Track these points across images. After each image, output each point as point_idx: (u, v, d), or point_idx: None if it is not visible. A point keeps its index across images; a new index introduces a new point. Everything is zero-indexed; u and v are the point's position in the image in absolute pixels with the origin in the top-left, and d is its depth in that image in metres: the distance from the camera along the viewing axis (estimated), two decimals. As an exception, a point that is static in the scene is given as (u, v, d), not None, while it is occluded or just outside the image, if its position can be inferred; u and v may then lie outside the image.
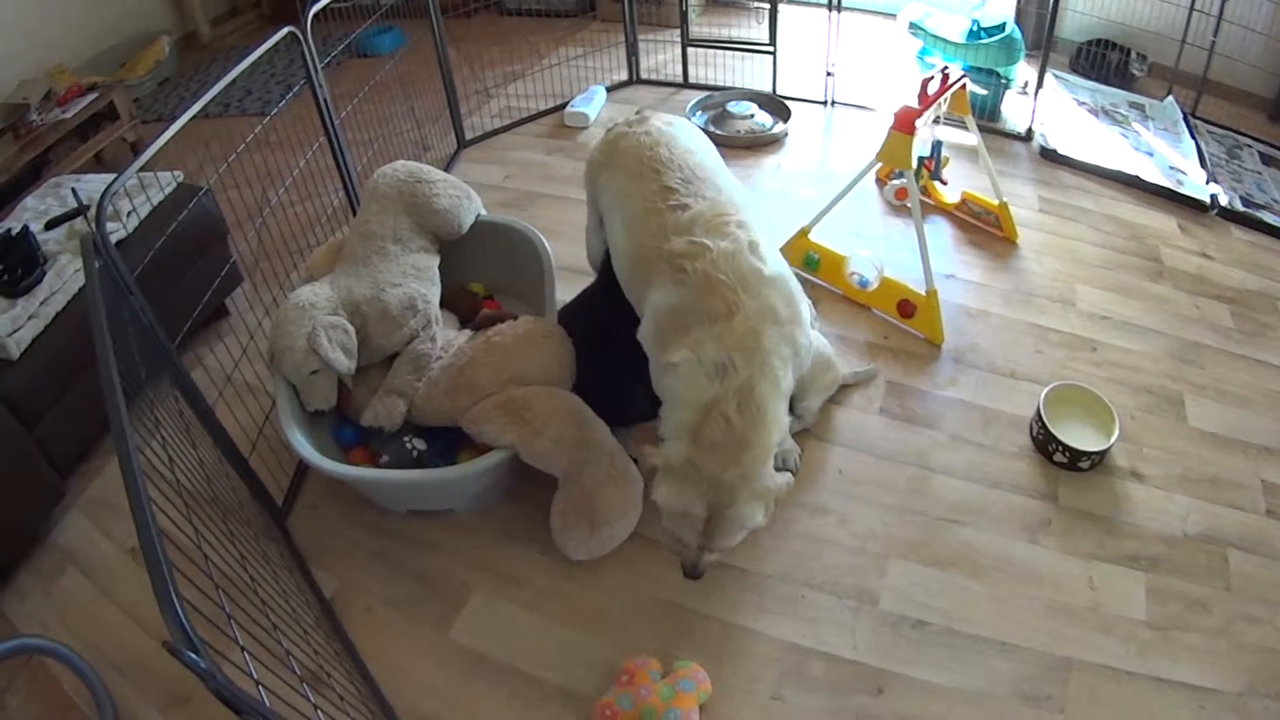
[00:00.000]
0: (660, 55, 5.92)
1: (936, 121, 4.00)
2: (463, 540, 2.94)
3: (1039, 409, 3.34)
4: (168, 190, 3.52)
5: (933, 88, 3.74)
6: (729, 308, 2.38)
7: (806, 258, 3.95)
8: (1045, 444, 3.31)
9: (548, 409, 2.75)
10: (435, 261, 3.29)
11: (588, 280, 3.61)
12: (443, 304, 3.28)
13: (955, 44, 5.22)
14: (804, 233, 3.96)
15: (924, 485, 3.16)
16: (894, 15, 5.82)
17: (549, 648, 2.66)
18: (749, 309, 2.39)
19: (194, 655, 1.35)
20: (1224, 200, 4.99)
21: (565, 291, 3.44)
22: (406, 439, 2.94)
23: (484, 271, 3.67)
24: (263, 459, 3.02)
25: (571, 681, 2.57)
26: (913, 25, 5.41)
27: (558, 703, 2.53)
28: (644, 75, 5.68)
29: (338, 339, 2.87)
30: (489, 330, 2.98)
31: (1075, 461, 3.27)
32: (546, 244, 3.50)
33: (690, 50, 5.55)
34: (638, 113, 3.10)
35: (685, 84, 5.60)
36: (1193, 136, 5.50)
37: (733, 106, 5.16)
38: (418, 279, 3.14)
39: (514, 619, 2.74)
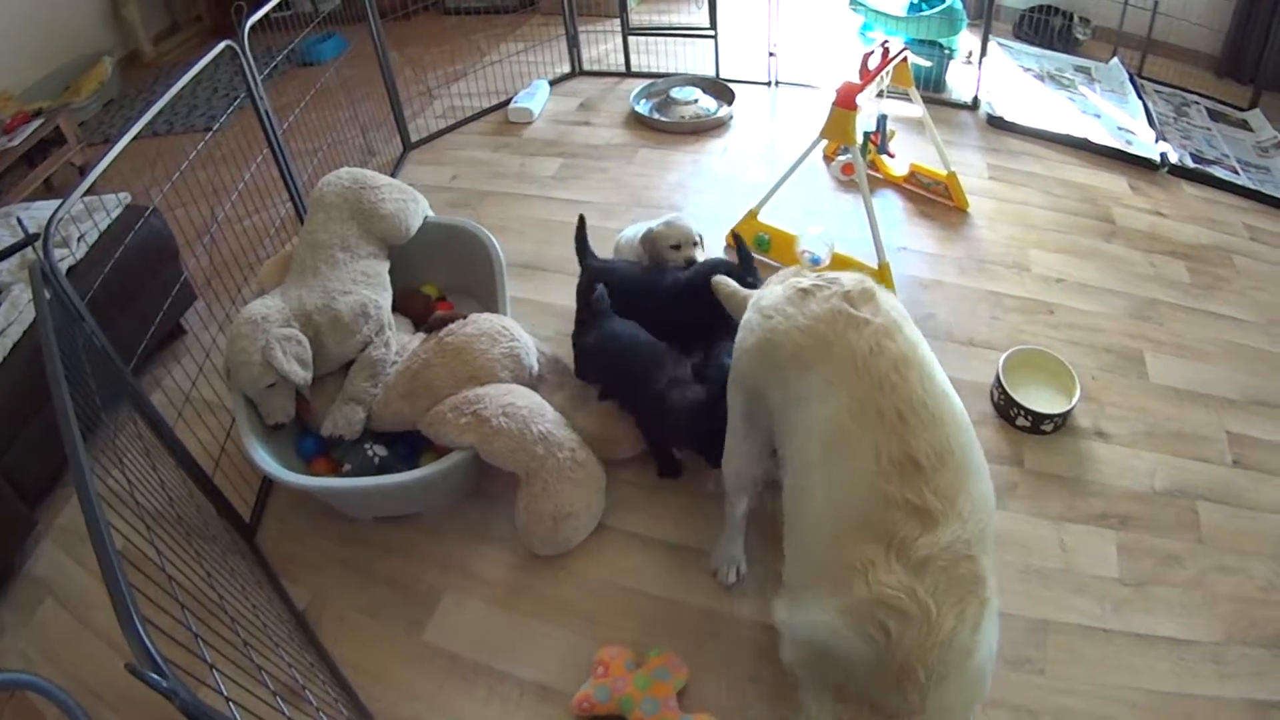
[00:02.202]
0: (602, 45, 5.91)
1: (880, 95, 3.98)
2: (430, 543, 2.93)
3: (998, 375, 3.35)
4: (115, 213, 3.48)
5: (873, 62, 3.73)
6: (905, 704, 1.68)
7: (757, 238, 3.94)
8: (1007, 409, 3.32)
9: (504, 407, 2.75)
10: (385, 266, 3.27)
11: (539, 277, 3.63)
12: (395, 308, 3.26)
13: (897, 18, 5.24)
14: (753, 214, 3.96)
15: None
16: None
17: (523, 644, 2.65)
18: (927, 709, 1.68)
19: (156, 675, 1.34)
20: (1174, 158, 5.02)
21: (516, 289, 3.47)
22: (367, 446, 2.92)
23: (435, 273, 3.66)
24: (227, 476, 3.00)
25: (548, 677, 2.56)
26: (854, 1, 5.42)
27: (535, 698, 2.52)
28: (586, 67, 5.68)
29: (292, 350, 2.86)
30: (441, 332, 2.97)
31: (1038, 425, 3.27)
32: (496, 242, 3.47)
33: (631, 39, 5.54)
34: (859, 285, 2.18)
35: (628, 73, 5.59)
36: (1140, 96, 5.53)
37: (676, 92, 5.15)
38: (368, 285, 3.12)
39: (486, 618, 2.73)
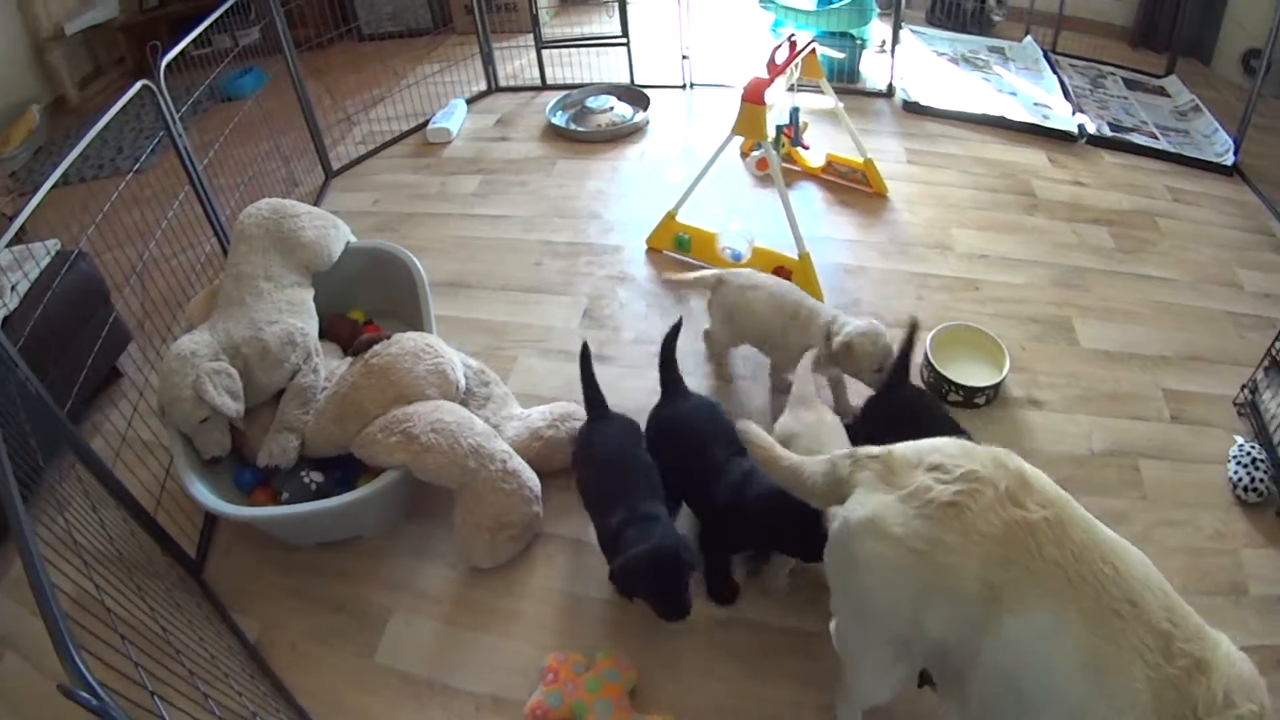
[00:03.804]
0: (517, 61, 5.92)
1: (792, 89, 3.99)
2: (374, 564, 2.92)
3: (927, 353, 3.39)
4: (45, 261, 3.44)
5: (780, 56, 3.76)
6: None
7: (676, 239, 3.97)
8: (938, 386, 3.34)
9: (432, 424, 2.76)
10: (309, 294, 3.27)
11: (465, 294, 3.74)
12: (323, 335, 3.26)
13: (807, 12, 5.29)
14: (671, 215, 3.98)
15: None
16: None
17: (473, 658, 2.64)
18: None
19: (85, 695, 1.39)
20: (1092, 128, 5.10)
21: (443, 307, 3.52)
22: (304, 473, 2.91)
23: (361, 298, 3.65)
24: (170, 514, 2.97)
25: (500, 688, 2.55)
26: (763, 1, 5.39)
27: (490, 711, 2.51)
28: (502, 83, 5.68)
29: (223, 384, 2.84)
30: (366, 354, 2.96)
31: (970, 399, 3.31)
32: (417, 262, 3.47)
33: (546, 52, 5.56)
34: (1004, 474, 1.84)
35: (544, 86, 5.60)
36: (1055, 71, 5.62)
37: (591, 102, 5.16)
38: (293, 313, 3.12)
39: (434, 635, 2.72)
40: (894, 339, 3.39)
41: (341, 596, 2.84)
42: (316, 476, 2.91)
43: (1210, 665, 1.66)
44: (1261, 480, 3.14)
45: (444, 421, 2.76)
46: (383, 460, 2.75)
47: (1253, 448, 3.23)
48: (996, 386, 3.33)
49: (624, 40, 5.37)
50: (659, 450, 2.76)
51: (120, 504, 2.68)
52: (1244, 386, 3.52)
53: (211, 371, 2.83)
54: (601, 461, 2.71)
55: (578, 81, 5.52)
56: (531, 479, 2.84)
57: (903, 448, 1.96)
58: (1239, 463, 3.20)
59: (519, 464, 2.83)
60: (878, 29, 5.69)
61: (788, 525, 2.35)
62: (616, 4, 5.36)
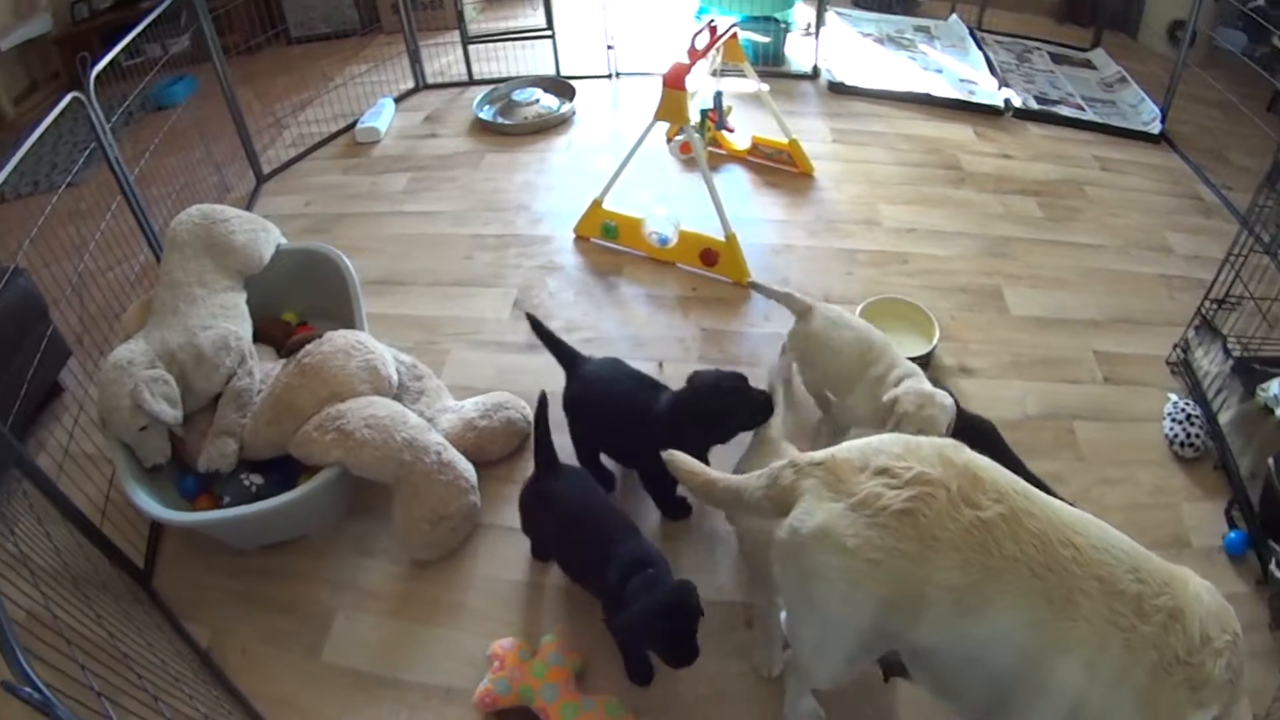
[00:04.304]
0: (444, 58, 5.89)
1: (715, 74, 3.99)
2: (318, 564, 2.91)
3: None
4: (-19, 283, 3.38)
5: (701, 42, 3.77)
6: None
7: (604, 227, 3.99)
8: None
9: (365, 419, 2.76)
10: (242, 298, 3.27)
11: (398, 291, 3.78)
12: (257, 338, 3.26)
13: None
14: (597, 203, 3.99)
15: None
16: None
17: (421, 651, 2.64)
18: None
19: (29, 690, 1.40)
20: (1018, 102, 5.19)
21: (375, 305, 3.52)
22: (244, 476, 2.91)
23: (294, 300, 3.63)
24: (116, 525, 2.94)
25: (449, 679, 2.56)
26: (688, -13, 5.41)
27: (441, 701, 2.52)
28: (430, 80, 5.65)
29: (160, 391, 2.84)
30: (299, 354, 2.95)
31: None
32: (348, 261, 3.46)
33: (472, 47, 5.54)
34: (952, 471, 1.83)
35: (471, 81, 5.58)
36: (980, 48, 5.70)
37: (517, 95, 5.16)
38: (227, 318, 3.12)
39: (381, 630, 2.71)
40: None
41: (288, 598, 2.83)
42: (256, 479, 2.91)
43: (1183, 610, 1.71)
44: (1197, 435, 3.22)
45: (377, 417, 2.77)
46: (319, 458, 2.75)
47: (1187, 404, 3.31)
48: (927, 356, 3.38)
49: (549, 33, 5.37)
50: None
51: (67, 518, 2.66)
52: (1176, 345, 3.59)
53: (149, 379, 2.82)
54: (570, 517, 2.57)
55: (504, 75, 5.52)
56: (467, 469, 2.85)
57: (845, 451, 1.94)
58: (1174, 419, 3.28)
59: (454, 455, 2.83)
60: (802, 12, 5.73)
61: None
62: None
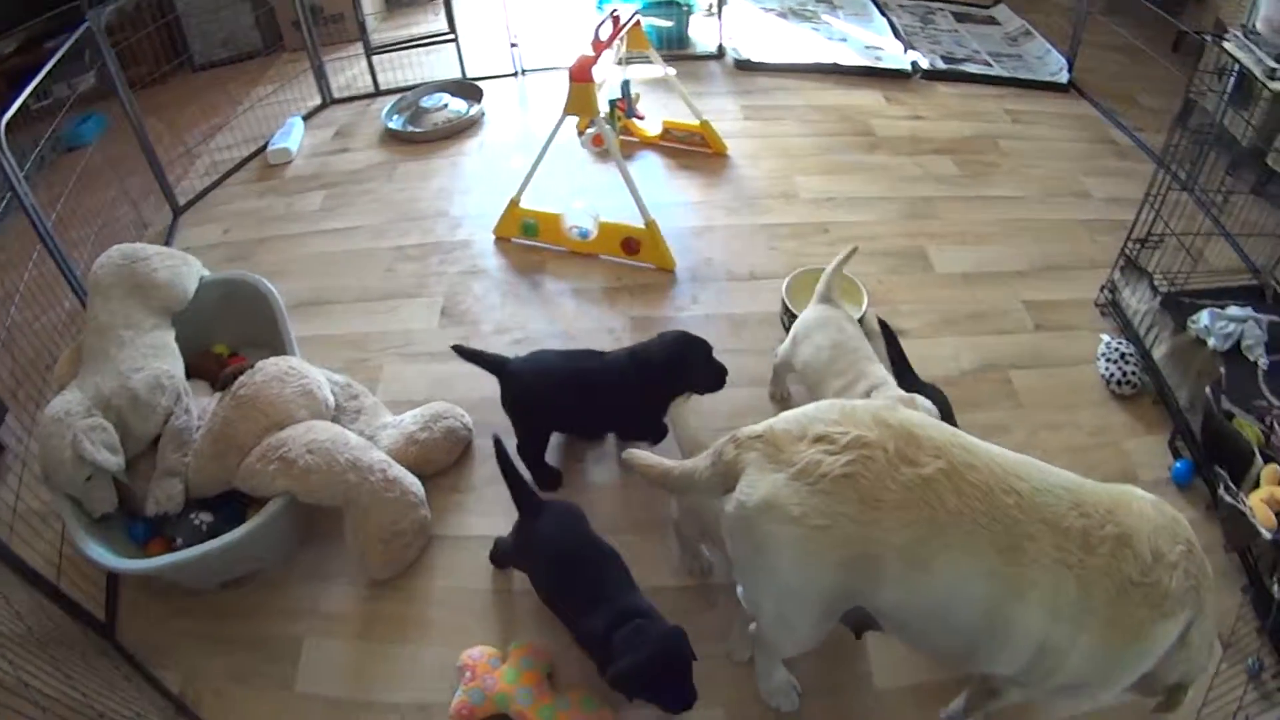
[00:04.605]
0: (349, 71, 5.80)
1: (621, 63, 3.98)
2: (278, 595, 2.88)
3: (783, 301, 3.45)
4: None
5: (604, 32, 3.77)
6: None
7: (523, 225, 3.98)
8: None
9: (307, 445, 2.73)
10: (170, 335, 3.22)
11: (324, 312, 3.73)
12: (189, 374, 3.21)
13: (632, -16, 5.22)
14: (515, 202, 3.97)
15: (696, 403, 3.08)
16: None
17: (391, 670, 2.62)
18: None
19: None
20: (925, 64, 5.25)
21: (303, 328, 3.48)
22: (193, 515, 2.86)
23: (222, 331, 3.57)
24: (73, 580, 2.89)
25: (424, 694, 2.54)
26: (587, -22, 5.39)
27: (419, 718, 2.50)
28: (336, 95, 5.57)
29: (100, 439, 2.78)
30: (233, 386, 2.92)
31: None
32: (271, 287, 3.42)
33: (376, 57, 5.48)
34: (889, 431, 1.88)
35: (378, 92, 5.51)
36: (883, 14, 5.71)
37: (425, 101, 5.11)
38: (158, 357, 3.07)
39: (350, 654, 2.68)
40: (756, 290, 3.46)
41: (253, 633, 2.79)
42: (205, 517, 2.87)
43: (1130, 535, 1.79)
44: (1133, 373, 3.32)
45: (318, 441, 2.75)
46: (265, 489, 2.72)
47: (1120, 343, 3.40)
48: (860, 321, 3.36)
49: (452, 36, 5.34)
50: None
51: (23, 580, 2.61)
52: (1103, 287, 3.68)
53: (87, 429, 2.77)
54: (557, 558, 2.50)
55: (410, 83, 5.46)
56: (413, 483, 2.83)
57: (783, 421, 1.97)
58: (1108, 359, 3.38)
59: (399, 471, 2.82)
60: (705, -8, 5.71)
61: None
62: (442, 1, 5.32)
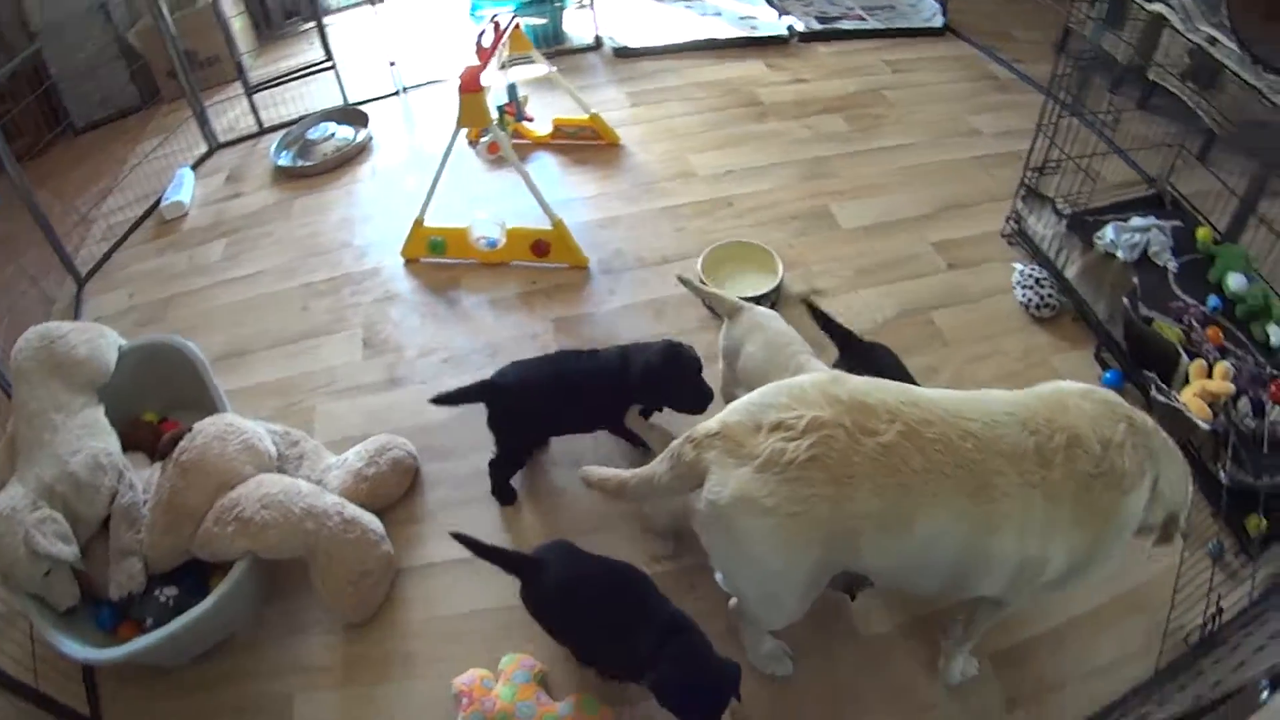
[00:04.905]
0: (231, 113, 5.69)
1: (504, 68, 3.99)
2: (256, 657, 2.82)
3: (700, 279, 3.47)
4: None
5: (487, 40, 3.78)
6: None
7: (430, 244, 3.95)
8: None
9: (260, 500, 2.69)
10: (100, 411, 3.14)
11: (245, 362, 3.66)
12: (125, 446, 3.12)
13: (502, -12, 5.21)
14: (419, 222, 3.94)
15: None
16: None
17: (386, 711, 2.60)
18: None
19: None
20: (800, 27, 5.31)
21: (228, 381, 3.41)
22: (158, 592, 2.80)
23: (149, 398, 3.47)
24: (49, 679, 2.79)
25: None
26: (459, -13, 5.38)
27: None
28: (222, 139, 5.46)
29: (52, 530, 2.71)
30: (174, 453, 2.86)
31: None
32: (191, 344, 3.34)
33: (257, 95, 5.39)
34: (841, 408, 1.93)
35: (262, 130, 5.41)
36: None
37: (312, 133, 5.03)
38: (93, 436, 2.99)
39: (341, 702, 2.65)
40: (670, 272, 3.49)
41: (239, 700, 2.74)
42: (170, 591, 2.80)
43: (1076, 433, 1.94)
44: (1050, 295, 3.47)
45: (271, 495, 2.71)
46: (226, 552, 2.68)
47: (1032, 269, 3.54)
48: (776, 289, 3.47)
49: (330, 63, 5.28)
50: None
51: (5, 689, 2.55)
52: (1008, 218, 3.81)
53: (37, 522, 2.69)
54: (582, 605, 2.38)
55: (294, 116, 5.38)
56: (372, 521, 2.80)
57: (734, 414, 2.02)
58: (1024, 286, 3.52)
59: (355, 510, 2.79)
60: (575, -13, 5.72)
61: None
62: (316, 29, 5.26)
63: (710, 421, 2.02)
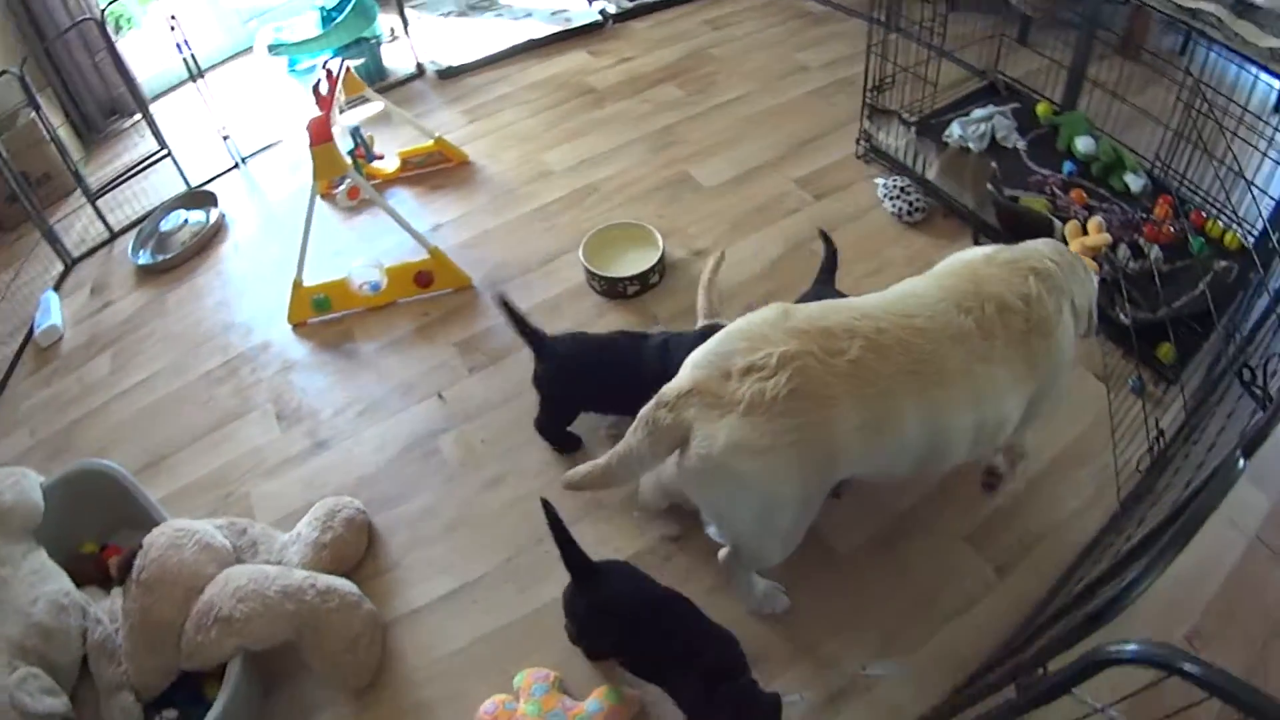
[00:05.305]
0: (78, 225, 5.53)
1: (342, 111, 4.00)
2: None
3: (586, 269, 3.60)
4: None
5: (324, 89, 3.78)
6: None
7: (314, 303, 3.92)
8: (615, 289, 3.58)
9: (234, 595, 2.65)
10: (44, 553, 3.05)
11: (167, 467, 3.59)
12: (76, 584, 3.03)
13: (315, 38, 5.26)
14: (298, 284, 3.88)
15: None
16: (251, 48, 5.85)
17: None
18: None
19: None
20: (612, 9, 5.41)
21: (157, 489, 3.37)
22: (157, 718, 2.74)
23: (83, 529, 3.36)
24: None
25: None
26: (273, 46, 5.41)
27: None
28: (76, 254, 5.30)
29: (36, 687, 2.63)
30: (132, 574, 2.78)
31: (647, 283, 3.59)
32: (110, 463, 3.26)
33: (100, 201, 5.27)
34: (801, 343, 2.03)
35: (114, 235, 5.27)
36: None
37: (164, 225, 4.93)
38: (45, 581, 2.91)
39: None
40: (554, 270, 3.57)
41: None
42: (170, 714, 2.74)
43: (1001, 299, 2.15)
44: (917, 200, 3.68)
45: (242, 587, 2.67)
46: (216, 656, 2.63)
47: (894, 180, 3.78)
48: (661, 259, 3.57)
49: (165, 152, 5.22)
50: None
51: None
52: (858, 140, 4.01)
53: (19, 682, 2.61)
54: (630, 622, 2.36)
55: (143, 212, 5.26)
56: (345, 585, 2.77)
57: (699, 369, 2.11)
58: (891, 197, 3.74)
59: (327, 579, 2.76)
60: (386, 20, 5.70)
61: None
62: (144, 120, 5.20)
63: (677, 382, 2.11)
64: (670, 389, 2.10)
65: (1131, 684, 1.26)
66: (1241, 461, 1.36)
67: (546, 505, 2.38)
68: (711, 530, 2.54)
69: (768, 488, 2.05)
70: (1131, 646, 1.16)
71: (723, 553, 2.54)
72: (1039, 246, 2.34)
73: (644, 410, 2.14)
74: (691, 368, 2.12)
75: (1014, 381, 2.17)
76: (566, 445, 3.15)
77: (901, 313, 2.11)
